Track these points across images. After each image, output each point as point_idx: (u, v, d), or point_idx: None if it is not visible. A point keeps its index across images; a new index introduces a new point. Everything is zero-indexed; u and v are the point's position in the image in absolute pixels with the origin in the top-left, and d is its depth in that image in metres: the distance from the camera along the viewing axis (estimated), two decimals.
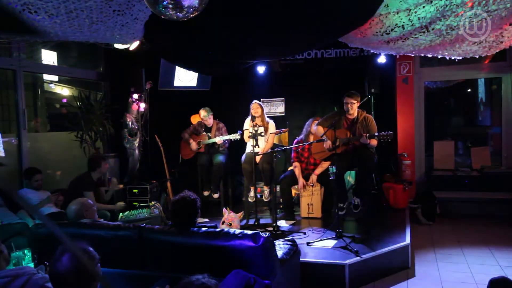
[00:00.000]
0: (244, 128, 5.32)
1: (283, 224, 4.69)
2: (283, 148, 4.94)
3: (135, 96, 5.82)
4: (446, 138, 6.52)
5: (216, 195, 5.55)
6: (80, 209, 3.12)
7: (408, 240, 3.97)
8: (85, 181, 4.66)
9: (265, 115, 5.31)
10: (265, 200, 5.35)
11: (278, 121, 6.38)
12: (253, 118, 5.00)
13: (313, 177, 4.85)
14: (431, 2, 2.94)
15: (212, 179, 5.53)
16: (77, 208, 3.13)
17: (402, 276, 3.67)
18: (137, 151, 5.97)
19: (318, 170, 4.87)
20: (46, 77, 5.71)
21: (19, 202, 4.03)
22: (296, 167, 5.02)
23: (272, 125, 5.30)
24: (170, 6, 2.37)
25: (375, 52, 5.11)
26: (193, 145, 5.57)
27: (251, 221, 4.75)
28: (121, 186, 4.75)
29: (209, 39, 3.73)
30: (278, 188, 5.21)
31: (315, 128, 4.92)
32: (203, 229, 2.54)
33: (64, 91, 5.95)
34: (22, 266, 1.97)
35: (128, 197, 5.54)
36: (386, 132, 4.37)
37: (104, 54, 6.11)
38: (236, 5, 3.19)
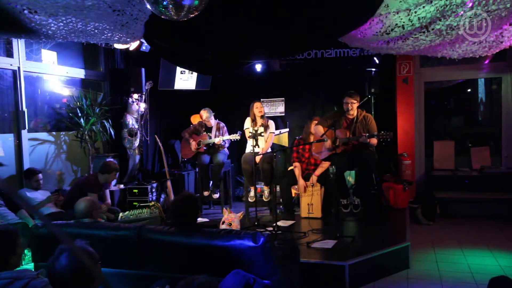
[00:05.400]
0: (245, 127, 5.33)
1: (283, 224, 4.69)
2: (283, 148, 4.94)
3: (135, 96, 5.82)
4: (446, 138, 6.52)
5: (216, 195, 5.55)
6: (90, 207, 3.12)
7: (408, 240, 3.97)
8: (91, 182, 4.65)
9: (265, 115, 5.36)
10: (265, 200, 5.34)
11: (278, 121, 6.39)
12: (255, 118, 5.01)
13: (314, 178, 4.85)
14: (431, 2, 2.94)
15: (212, 179, 5.53)
16: (88, 206, 3.11)
17: (402, 276, 3.67)
18: (137, 151, 5.98)
19: (319, 171, 4.87)
20: (46, 77, 5.70)
21: (19, 202, 4.04)
22: (296, 167, 5.01)
23: (272, 124, 5.33)
24: (170, 6, 2.37)
25: (375, 52, 5.12)
26: (193, 145, 5.57)
27: (251, 221, 4.75)
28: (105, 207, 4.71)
29: (208, 39, 3.73)
30: (278, 188, 5.21)
31: (315, 128, 4.92)
32: (203, 229, 2.54)
33: (64, 91, 5.94)
34: (23, 269, 1.97)
35: (128, 197, 5.55)
36: (386, 132, 4.38)
37: (104, 54, 6.11)
38: (236, 5, 3.19)
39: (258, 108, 5.21)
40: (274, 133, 5.38)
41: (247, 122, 5.35)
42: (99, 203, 4.59)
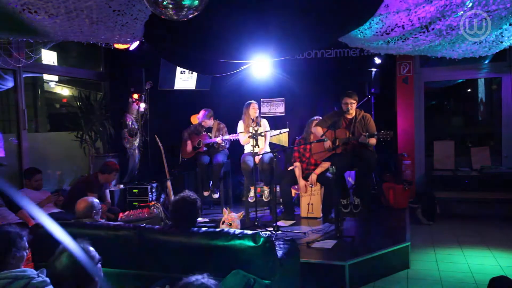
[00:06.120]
0: (239, 131, 5.32)
1: (283, 224, 4.69)
2: (283, 148, 4.94)
3: (135, 96, 5.82)
4: (446, 138, 6.52)
5: (216, 195, 5.54)
6: (90, 208, 3.12)
7: (408, 240, 3.97)
8: (92, 182, 4.65)
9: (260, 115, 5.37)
10: (265, 200, 5.34)
11: (278, 121, 6.39)
12: (253, 118, 5.01)
13: (313, 177, 4.85)
14: (431, 2, 2.94)
15: (212, 179, 5.53)
16: (87, 206, 3.12)
17: (402, 276, 3.67)
18: (137, 151, 5.97)
19: (319, 170, 4.87)
20: (46, 77, 5.70)
21: (19, 202, 4.04)
22: (296, 167, 5.01)
23: (266, 123, 5.34)
24: (170, 6, 2.37)
25: (375, 52, 5.12)
26: (189, 147, 5.57)
27: (251, 221, 4.75)
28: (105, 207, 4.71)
29: (209, 39, 3.73)
30: (278, 188, 5.21)
31: (314, 129, 4.92)
32: (203, 229, 2.54)
33: (64, 91, 5.95)
34: (23, 268, 1.97)
35: (128, 197, 5.54)
36: (385, 131, 4.38)
37: (104, 54, 6.12)
38: (236, 5, 3.19)
39: (255, 108, 5.22)
40: (268, 131, 5.38)
41: (240, 126, 5.34)
42: (99, 203, 4.60)
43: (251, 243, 2.32)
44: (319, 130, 4.80)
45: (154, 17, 3.09)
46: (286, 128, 6.16)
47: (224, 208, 4.41)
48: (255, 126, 4.99)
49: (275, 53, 4.33)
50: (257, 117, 5.23)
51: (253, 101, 5.29)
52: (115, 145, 5.87)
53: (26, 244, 2.12)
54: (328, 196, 4.87)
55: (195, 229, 2.56)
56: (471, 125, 6.95)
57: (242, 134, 5.23)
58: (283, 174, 5.22)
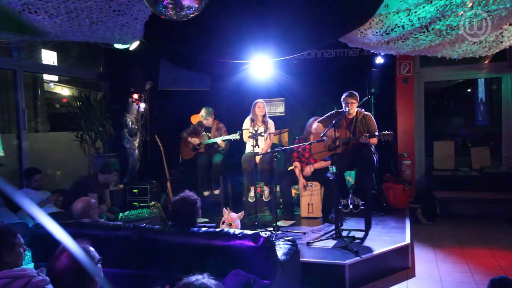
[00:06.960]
0: (243, 128, 5.31)
1: (283, 224, 4.69)
2: (283, 148, 4.93)
3: (135, 96, 5.82)
4: (446, 138, 6.52)
5: (217, 191, 5.52)
6: (87, 208, 3.13)
7: (408, 240, 3.97)
8: (92, 182, 4.66)
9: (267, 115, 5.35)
10: (265, 200, 5.34)
11: (278, 121, 6.39)
12: (255, 118, 5.01)
13: (311, 168, 4.85)
14: (431, 2, 2.94)
15: (212, 177, 5.52)
16: (84, 206, 3.12)
17: (402, 276, 3.67)
18: (137, 151, 5.97)
19: (318, 165, 4.89)
20: (46, 77, 5.70)
21: (19, 202, 4.03)
22: (296, 167, 5.01)
23: (272, 124, 5.32)
24: (170, 6, 2.37)
25: (375, 52, 5.13)
26: (194, 140, 5.55)
27: (251, 221, 4.75)
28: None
29: (209, 39, 3.73)
30: (278, 188, 5.20)
31: (315, 127, 4.91)
32: (203, 229, 2.54)
33: (64, 91, 5.95)
34: (23, 267, 1.97)
35: (128, 197, 5.54)
36: (386, 132, 4.37)
37: (104, 54, 6.12)
38: (236, 5, 3.20)
39: (260, 108, 5.19)
40: (274, 133, 5.37)
41: (246, 123, 5.33)
42: (95, 202, 4.60)
43: (251, 243, 2.32)
44: (320, 127, 4.80)
45: (154, 17, 3.10)
46: (286, 128, 6.16)
47: (224, 208, 4.41)
48: (262, 125, 4.99)
49: (275, 53, 4.34)
50: (264, 116, 5.22)
51: (259, 100, 5.27)
52: (115, 145, 5.87)
53: (22, 240, 2.10)
54: (328, 196, 4.86)
55: (195, 229, 2.55)
56: (471, 125, 6.95)
57: (246, 131, 5.22)
58: (283, 174, 5.21)
